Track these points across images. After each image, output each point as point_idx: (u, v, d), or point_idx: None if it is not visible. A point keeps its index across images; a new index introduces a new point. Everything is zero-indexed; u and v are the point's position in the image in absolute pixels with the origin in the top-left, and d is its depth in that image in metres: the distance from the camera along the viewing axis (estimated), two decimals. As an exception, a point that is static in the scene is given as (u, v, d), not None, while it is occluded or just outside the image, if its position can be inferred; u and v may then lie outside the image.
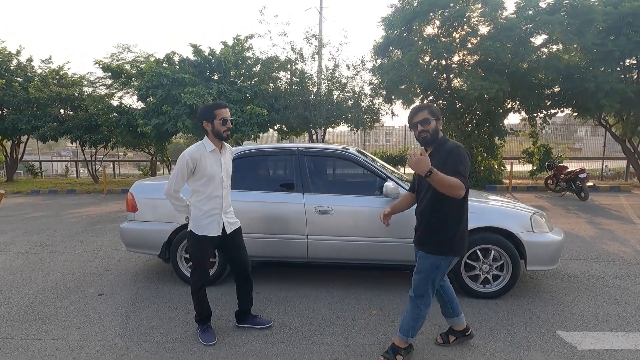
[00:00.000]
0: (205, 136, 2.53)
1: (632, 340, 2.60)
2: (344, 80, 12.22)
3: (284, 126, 12.46)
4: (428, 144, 2.25)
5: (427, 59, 10.28)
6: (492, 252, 3.27)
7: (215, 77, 11.32)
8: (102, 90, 13.06)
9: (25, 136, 14.80)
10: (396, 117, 13.24)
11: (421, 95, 12.03)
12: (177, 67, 10.73)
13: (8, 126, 12.82)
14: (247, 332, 2.76)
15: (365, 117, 12.00)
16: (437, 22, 10.38)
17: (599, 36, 9.37)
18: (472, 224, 3.22)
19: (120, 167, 19.42)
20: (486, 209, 3.38)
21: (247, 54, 12.08)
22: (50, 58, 14.95)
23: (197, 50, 10.54)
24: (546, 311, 3.06)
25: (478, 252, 3.28)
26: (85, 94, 13.24)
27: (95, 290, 3.60)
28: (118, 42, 21.72)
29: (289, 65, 12.26)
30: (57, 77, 14.25)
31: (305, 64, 12.27)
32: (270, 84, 12.08)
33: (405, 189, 3.39)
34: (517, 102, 11.45)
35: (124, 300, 3.35)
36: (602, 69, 9.81)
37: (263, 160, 3.74)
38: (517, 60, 9.20)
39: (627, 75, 10.68)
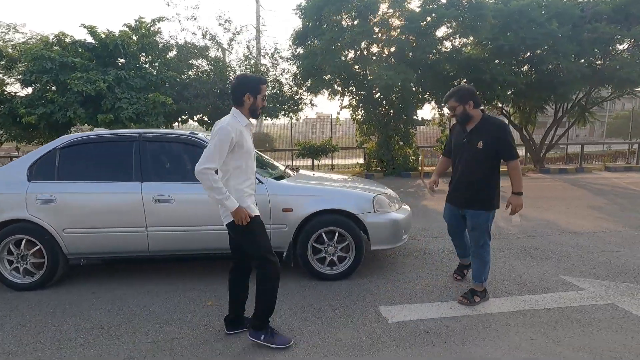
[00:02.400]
0: (237, 109, 2.26)
1: (442, 309, 2.76)
2: (263, 69, 11.94)
3: (204, 117, 11.89)
4: (462, 123, 2.79)
5: (339, 48, 10.33)
6: (337, 233, 3.30)
7: (122, 63, 10.39)
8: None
9: None
10: (316, 107, 13.23)
11: (340, 85, 12.19)
12: (69, 50, 9.65)
13: None
14: (49, 338, 2.47)
15: (283, 106, 11.86)
16: (353, 13, 10.47)
17: (492, 31, 10.11)
18: (316, 207, 3.23)
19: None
20: (330, 191, 3.39)
21: (157, 39, 11.27)
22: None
23: (92, 32, 9.55)
24: (382, 288, 3.16)
25: (323, 234, 3.29)
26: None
27: None
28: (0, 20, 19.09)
29: (207, 52, 11.70)
30: None
31: (219, 51, 11.79)
32: (190, 72, 11.42)
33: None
34: (428, 93, 12.07)
35: None
36: (497, 62, 10.63)
37: (101, 147, 3.39)
38: (419, 51, 9.61)
39: (521, 69, 11.75)
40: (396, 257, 3.95)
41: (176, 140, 3.42)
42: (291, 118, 14.46)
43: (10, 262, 3.24)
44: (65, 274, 3.36)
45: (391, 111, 12.30)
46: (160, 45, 11.14)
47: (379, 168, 12.61)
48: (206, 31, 11.12)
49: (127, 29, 10.10)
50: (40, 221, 3.16)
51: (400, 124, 12.25)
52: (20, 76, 9.78)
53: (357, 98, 12.48)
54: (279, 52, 11.61)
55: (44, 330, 2.55)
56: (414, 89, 11.68)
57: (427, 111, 35.45)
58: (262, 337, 2.29)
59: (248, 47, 11.37)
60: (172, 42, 10.98)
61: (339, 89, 12.24)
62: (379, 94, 11.81)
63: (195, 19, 11.30)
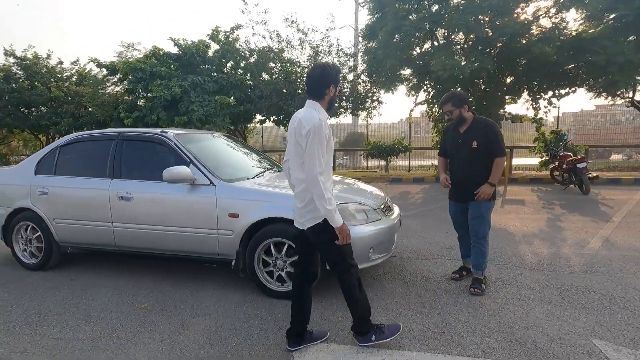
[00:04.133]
0: (316, 102, 2.07)
1: (370, 359, 2.10)
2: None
3: (281, 117, 12.35)
4: (457, 126, 3.00)
5: (401, 40, 9.42)
6: (286, 245, 2.87)
7: (206, 68, 11.47)
8: (111, 88, 13.98)
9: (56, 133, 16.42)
10: (384, 104, 12.42)
11: (414, 80, 11.16)
12: (162, 61, 11.08)
13: (34, 122, 14.36)
14: (-1, 317, 2.72)
15: (348, 104, 11.45)
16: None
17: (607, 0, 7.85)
18: (261, 214, 2.91)
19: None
20: (281, 196, 2.96)
21: (238, 46, 12.12)
22: (77, 60, 16.44)
23: (176, 44, 10.81)
24: (326, 318, 2.61)
25: (272, 245, 2.90)
26: (101, 92, 14.30)
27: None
28: (122, 41, 23.09)
29: (284, 55, 12.09)
30: (80, 77, 15.64)
31: (290, 52, 12.00)
32: (265, 75, 11.98)
33: (205, 176, 3.09)
34: (519, 84, 10.10)
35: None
36: (616, 38, 8.22)
37: (89, 145, 3.65)
38: (497, 34, 8.05)
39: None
40: (381, 279, 3.27)
41: (146, 139, 3.46)
42: (366, 117, 13.97)
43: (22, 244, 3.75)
44: (61, 258, 3.72)
45: (473, 107, 10.72)
46: (245, 52, 11.85)
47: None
48: (277, 34, 11.42)
49: (205, 39, 11.11)
50: (39, 210, 3.56)
51: (482, 121, 10.57)
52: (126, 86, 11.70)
53: (433, 93, 11.24)
54: (342, 49, 11.21)
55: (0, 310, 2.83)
56: (500, 78, 9.95)
57: (519, 105, 30.11)
58: (373, 338, 2.18)
59: (314, 48, 11.28)
60: (244, 47, 11.60)
61: (417, 82, 11.20)
62: (459, 88, 10.43)
63: (265, 23, 11.63)
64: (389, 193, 8.95)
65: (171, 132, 3.42)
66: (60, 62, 16.34)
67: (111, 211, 3.30)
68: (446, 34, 9.86)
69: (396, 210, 3.55)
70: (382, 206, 3.24)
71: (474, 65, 8.06)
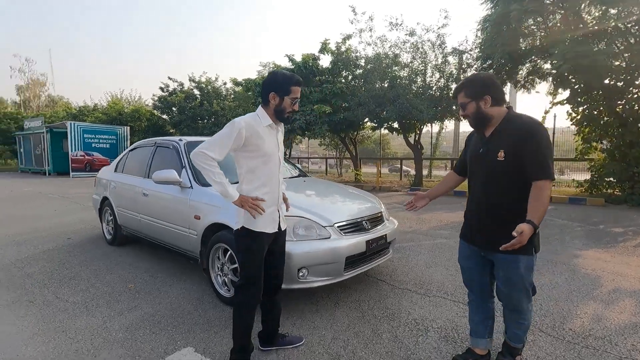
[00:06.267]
0: (262, 108, 2.06)
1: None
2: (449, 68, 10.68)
3: (394, 124, 12.11)
4: (478, 127, 1.95)
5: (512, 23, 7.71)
6: (229, 253, 2.89)
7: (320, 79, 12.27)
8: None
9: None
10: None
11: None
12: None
13: (200, 132, 18.34)
14: (41, 279, 3.72)
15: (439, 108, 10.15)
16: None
17: None
18: (213, 218, 3.09)
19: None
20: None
21: (352, 55, 12.46)
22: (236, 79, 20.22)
23: (290, 59, 11.94)
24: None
25: (221, 251, 2.99)
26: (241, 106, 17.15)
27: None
28: (260, 61, 26.46)
29: (400, 60, 11.80)
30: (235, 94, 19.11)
31: (401, 56, 11.49)
32: (384, 83, 11.98)
33: (189, 179, 3.43)
34: None
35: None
36: None
37: (143, 150, 4.52)
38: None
39: None
40: (339, 306, 2.88)
41: (167, 146, 4.05)
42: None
43: (109, 222, 4.97)
44: (126, 239, 4.75)
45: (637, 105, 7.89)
46: (360, 62, 12.13)
47: (609, 191, 8.47)
48: (382, 39, 11.18)
49: (314, 53, 11.89)
50: (111, 199, 4.67)
51: (651, 124, 7.66)
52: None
53: (577, 88, 8.82)
54: (442, 47, 10.05)
55: (51, 265, 3.86)
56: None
57: None
58: None
59: (420, 48, 10.50)
60: (354, 56, 11.79)
61: (558, 79, 9.04)
62: (611, 80, 7.91)
63: (371, 30, 11.50)
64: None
65: (184, 140, 3.92)
66: (224, 83, 20.29)
67: (139, 205, 4.04)
68: (572, 14, 7.54)
69: (375, 232, 3.06)
70: (345, 224, 2.87)
71: (609, 49, 5.92)
